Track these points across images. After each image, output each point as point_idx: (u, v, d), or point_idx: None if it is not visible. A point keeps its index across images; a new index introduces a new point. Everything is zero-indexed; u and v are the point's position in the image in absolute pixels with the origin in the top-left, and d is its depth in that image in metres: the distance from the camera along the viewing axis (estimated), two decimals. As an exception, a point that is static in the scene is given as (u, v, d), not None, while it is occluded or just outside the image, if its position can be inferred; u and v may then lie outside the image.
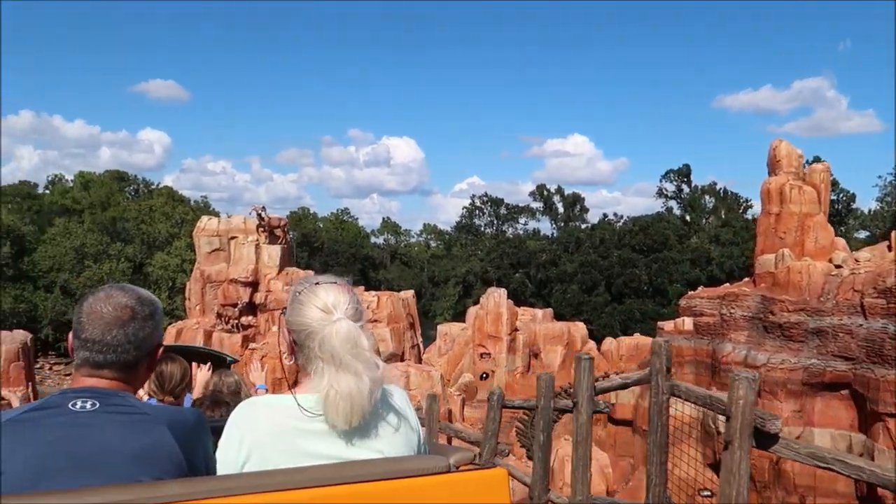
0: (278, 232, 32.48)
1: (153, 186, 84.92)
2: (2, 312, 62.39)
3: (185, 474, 1.67)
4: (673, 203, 77.23)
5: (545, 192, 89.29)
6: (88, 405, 1.65)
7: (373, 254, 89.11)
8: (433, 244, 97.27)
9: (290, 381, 2.18)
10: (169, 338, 30.48)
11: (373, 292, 32.47)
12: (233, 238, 31.81)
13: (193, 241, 32.11)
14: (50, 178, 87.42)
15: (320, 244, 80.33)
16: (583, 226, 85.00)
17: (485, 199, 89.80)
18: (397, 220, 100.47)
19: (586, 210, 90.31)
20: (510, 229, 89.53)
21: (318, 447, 1.75)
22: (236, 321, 30.07)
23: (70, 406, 1.65)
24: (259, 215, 31.86)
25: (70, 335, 1.80)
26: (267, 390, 5.35)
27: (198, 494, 1.44)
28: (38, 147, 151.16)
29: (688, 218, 74.70)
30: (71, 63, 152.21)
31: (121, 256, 67.95)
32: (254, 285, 31.22)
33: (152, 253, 69.09)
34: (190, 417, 1.82)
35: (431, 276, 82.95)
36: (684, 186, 75.76)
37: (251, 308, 31.14)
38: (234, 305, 30.22)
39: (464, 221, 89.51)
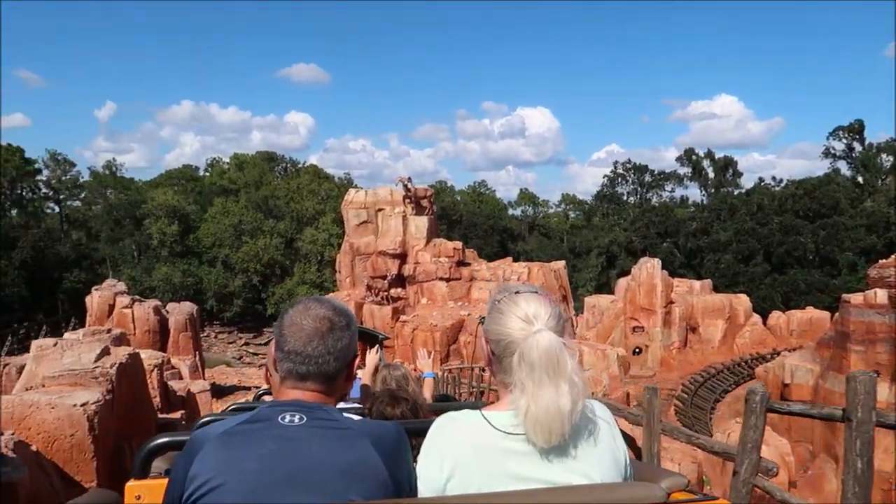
0: (424, 203, 31.63)
1: (300, 165, 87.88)
2: (173, 286, 66.84)
3: (391, 491, 1.60)
4: (842, 164, 69.84)
5: (693, 157, 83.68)
6: (297, 419, 1.65)
7: (511, 225, 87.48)
8: (572, 214, 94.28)
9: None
10: (321, 310, 30.62)
11: (522, 263, 30.96)
12: (380, 210, 31.29)
13: (341, 214, 31.93)
14: (209, 161, 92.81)
15: (458, 217, 79.72)
16: (736, 191, 79.06)
17: (627, 166, 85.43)
18: (533, 191, 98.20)
19: (739, 174, 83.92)
20: (655, 197, 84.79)
21: (520, 468, 1.62)
22: (386, 293, 29.61)
23: (280, 420, 1.64)
24: (405, 186, 31.10)
25: (272, 347, 1.86)
26: (435, 378, 5.17)
27: None
28: (198, 133, 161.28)
29: (860, 179, 67.20)
30: (223, 52, 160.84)
31: (273, 232, 70.53)
32: (402, 257, 30.59)
33: (301, 228, 71.23)
34: (392, 431, 1.73)
35: (572, 246, 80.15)
36: (856, 145, 68.15)
37: (400, 280, 30.57)
38: (384, 277, 29.73)
39: (605, 190, 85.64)
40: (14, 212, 74.93)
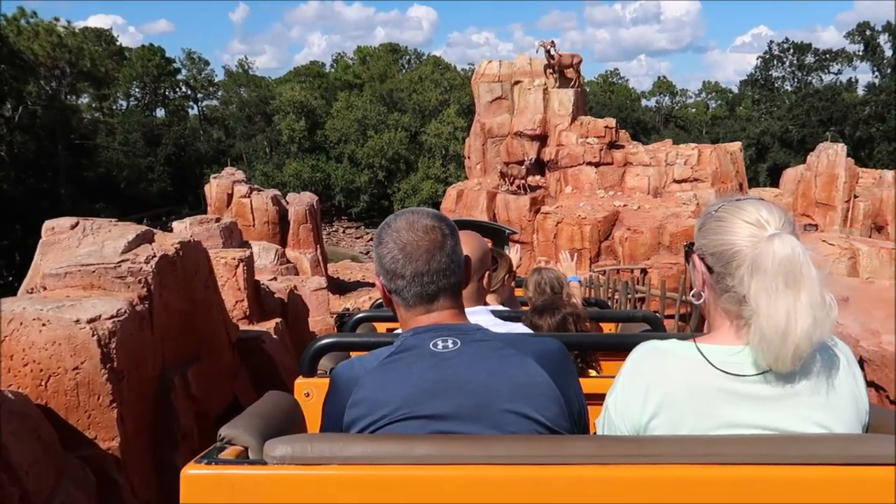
0: (570, 73, 25.73)
1: (423, 57, 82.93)
2: (302, 181, 65.52)
3: (564, 408, 1.43)
4: None
5: (868, 32, 70.51)
6: (450, 343, 1.46)
7: (644, 117, 78.69)
8: (713, 104, 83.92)
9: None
10: (449, 200, 26.35)
11: (691, 144, 24.84)
12: (517, 83, 25.79)
13: (472, 89, 26.73)
14: (334, 57, 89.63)
15: (588, 108, 72.39)
16: None
17: (784, 45, 73.45)
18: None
19: (926, 53, 70.11)
20: (816, 81, 72.87)
21: (741, 414, 1.31)
22: (522, 181, 24.66)
23: (431, 346, 1.46)
24: (547, 52, 25.13)
25: (380, 280, 1.56)
26: (581, 283, 4.41)
27: (613, 458, 1.20)
28: (325, 32, 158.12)
29: None
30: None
31: (398, 126, 67.05)
32: (542, 139, 25.28)
33: (425, 122, 67.27)
34: (554, 347, 1.53)
35: (714, 139, 70.86)
36: None
37: (539, 166, 25.43)
38: (520, 163, 24.69)
39: (757, 74, 74.46)
40: (158, 110, 76.07)
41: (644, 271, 19.28)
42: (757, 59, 75.63)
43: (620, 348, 1.70)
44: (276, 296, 10.84)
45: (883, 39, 68.69)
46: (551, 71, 25.38)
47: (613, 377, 1.47)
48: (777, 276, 1.25)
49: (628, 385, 1.41)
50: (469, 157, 27.16)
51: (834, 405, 1.33)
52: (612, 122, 24.49)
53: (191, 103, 79.03)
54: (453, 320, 1.53)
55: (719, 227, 1.37)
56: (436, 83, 70.07)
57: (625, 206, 21.54)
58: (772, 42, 75.15)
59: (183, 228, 19.48)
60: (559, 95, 24.91)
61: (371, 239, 66.62)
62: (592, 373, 2.76)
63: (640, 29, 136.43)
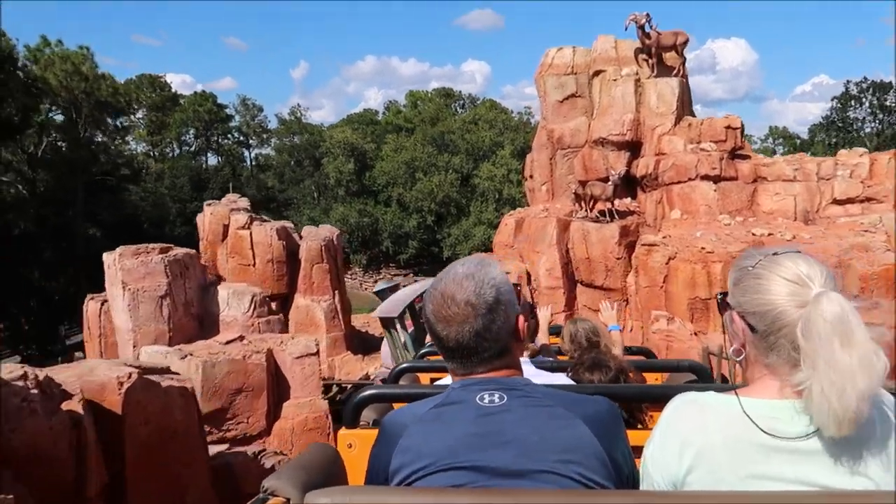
0: (671, 58, 17.93)
1: (478, 102, 76.85)
2: (349, 226, 59.71)
3: (610, 470, 1.35)
4: None
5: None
6: (496, 398, 1.39)
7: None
8: (780, 149, 74.92)
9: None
10: (505, 232, 18.72)
11: (858, 150, 16.45)
12: (597, 74, 18.14)
13: (536, 86, 19.19)
14: (386, 105, 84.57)
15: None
16: None
17: (864, 84, 64.48)
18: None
19: None
20: (900, 122, 63.50)
21: (783, 469, 1.23)
22: (608, 204, 16.99)
23: (478, 400, 1.40)
24: (641, 28, 17.44)
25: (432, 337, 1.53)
26: (621, 331, 4.14)
27: None
28: (381, 87, 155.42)
29: None
30: (402, 5, 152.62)
31: (448, 168, 60.47)
32: (634, 147, 17.51)
33: (478, 164, 60.52)
34: (603, 408, 1.44)
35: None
36: None
37: (629, 184, 17.63)
38: (604, 180, 16.98)
39: (833, 116, 65.59)
40: (211, 157, 72.28)
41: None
42: (832, 99, 67.11)
43: (664, 399, 1.42)
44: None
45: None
46: (645, 56, 17.72)
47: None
48: (832, 338, 1.16)
49: (665, 438, 1.34)
50: (531, 177, 19.34)
51: (882, 459, 1.22)
52: (736, 119, 16.43)
53: (244, 150, 75.05)
54: (504, 375, 1.46)
55: (759, 285, 1.30)
56: (490, 124, 63.64)
57: (769, 234, 13.49)
58: (849, 81, 66.38)
59: (111, 262, 12.55)
60: (658, 87, 16.96)
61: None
62: (640, 426, 2.55)
63: (696, 79, 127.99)
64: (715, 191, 15.50)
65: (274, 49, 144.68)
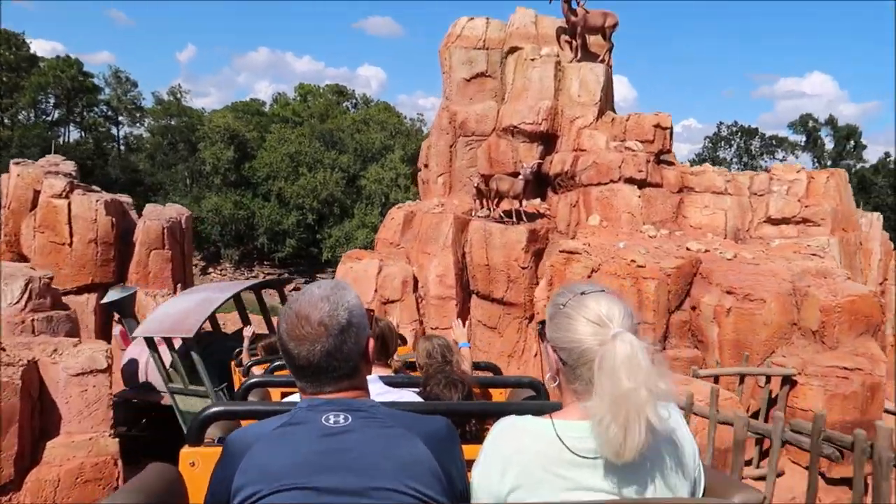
0: (596, 46, 15.34)
1: (371, 103, 73.12)
2: (222, 217, 54.03)
3: (445, 485, 1.41)
4: None
5: (810, 124, 66.01)
6: (341, 419, 1.42)
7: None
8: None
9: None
10: (390, 228, 15.31)
11: (794, 164, 14.15)
12: (513, 52, 15.23)
13: (440, 60, 15.87)
14: (274, 96, 78.70)
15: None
16: (858, 165, 62.72)
17: (734, 128, 67.84)
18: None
19: (863, 147, 66.34)
20: (760, 166, 67.50)
21: (589, 482, 1.38)
22: (515, 204, 14.06)
23: (323, 421, 1.41)
24: (567, 3, 14.68)
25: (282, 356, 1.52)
26: (470, 348, 4.32)
27: None
28: (273, 81, 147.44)
29: None
30: (300, 2, 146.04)
31: (335, 166, 56.35)
32: (548, 140, 14.70)
33: (366, 165, 56.92)
34: (442, 428, 1.49)
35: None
36: None
37: (540, 182, 14.77)
38: (513, 175, 14.09)
39: (705, 154, 68.60)
40: (69, 129, 63.45)
41: (789, 381, 8.60)
42: (705, 138, 70.48)
43: (504, 415, 1.53)
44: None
45: (825, 132, 64.56)
46: (568, 38, 15.01)
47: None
48: (619, 374, 1.30)
49: (488, 459, 1.42)
50: (426, 166, 15.97)
51: (666, 470, 1.39)
52: (667, 118, 13.96)
53: (112, 127, 66.68)
54: (350, 396, 1.48)
55: (568, 324, 1.42)
56: (381, 125, 60.19)
57: (706, 251, 11.04)
58: (721, 123, 70.04)
59: None
60: (581, 73, 14.16)
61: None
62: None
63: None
64: (639, 197, 12.93)
65: (161, 29, 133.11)
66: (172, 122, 63.61)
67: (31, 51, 61.30)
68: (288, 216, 55.13)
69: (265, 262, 58.13)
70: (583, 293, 1.43)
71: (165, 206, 18.57)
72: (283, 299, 9.63)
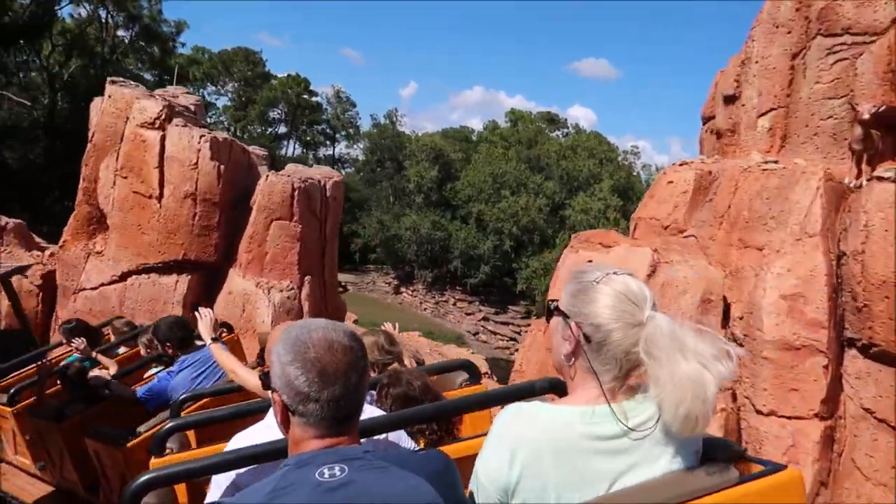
0: None
1: (582, 133, 66.12)
2: (419, 236, 50.16)
3: None
4: None
5: None
6: (336, 471, 1.27)
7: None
8: None
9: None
10: (671, 194, 7.60)
11: None
12: None
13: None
14: (484, 124, 75.08)
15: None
16: None
17: None
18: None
19: None
20: None
21: (601, 466, 1.31)
22: None
23: (317, 476, 1.26)
24: None
25: (279, 394, 1.34)
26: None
27: None
28: (484, 118, 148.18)
29: None
30: (517, 42, 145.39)
31: (539, 191, 49.90)
32: None
33: (573, 195, 49.66)
34: (440, 460, 1.43)
35: None
36: None
37: None
38: None
39: None
40: (289, 143, 65.07)
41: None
42: None
43: (459, 412, 1.48)
44: None
45: None
46: None
47: (468, 439, 1.43)
48: (673, 352, 1.26)
49: (495, 448, 1.36)
50: (735, 99, 8.09)
51: (686, 448, 1.34)
52: None
53: (327, 142, 67.45)
54: (346, 443, 1.36)
55: (600, 299, 1.36)
56: (590, 152, 52.93)
57: None
58: None
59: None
60: None
61: (484, 318, 48.87)
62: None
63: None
64: None
65: (388, 68, 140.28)
66: (384, 143, 62.17)
67: (266, 68, 63.33)
68: (485, 241, 49.74)
69: (457, 287, 53.17)
70: (614, 273, 1.39)
71: (309, 167, 12.88)
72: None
